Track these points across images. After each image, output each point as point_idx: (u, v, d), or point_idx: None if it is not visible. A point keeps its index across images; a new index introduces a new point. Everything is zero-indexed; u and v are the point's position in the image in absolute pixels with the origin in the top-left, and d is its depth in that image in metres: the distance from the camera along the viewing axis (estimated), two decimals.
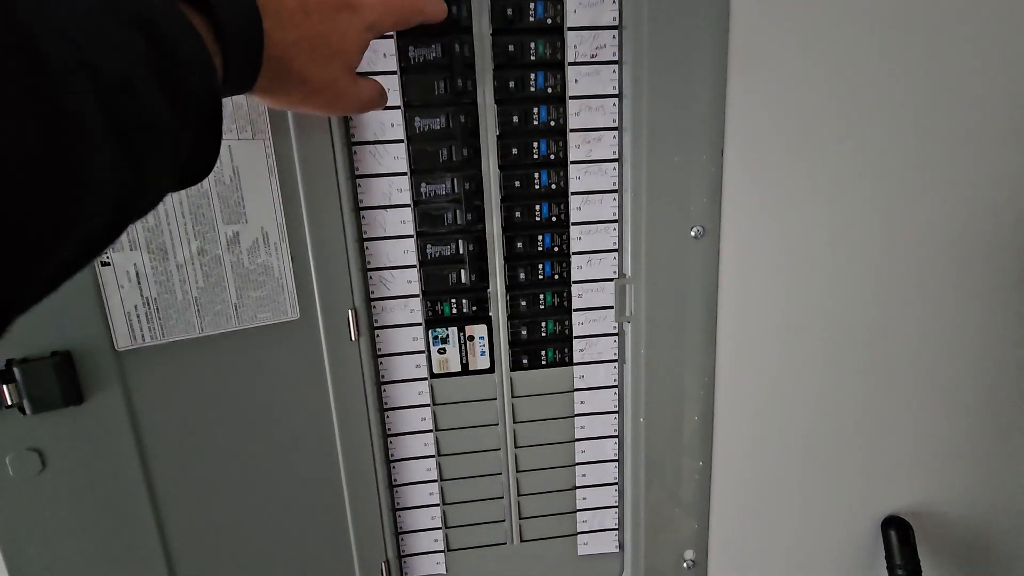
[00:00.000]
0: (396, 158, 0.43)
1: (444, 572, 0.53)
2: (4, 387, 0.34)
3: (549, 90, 0.43)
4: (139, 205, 0.21)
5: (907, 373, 0.51)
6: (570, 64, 0.43)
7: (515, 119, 0.43)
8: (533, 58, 0.42)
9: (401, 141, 0.43)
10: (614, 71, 0.43)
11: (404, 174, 0.44)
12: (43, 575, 0.38)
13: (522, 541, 0.53)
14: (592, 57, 0.43)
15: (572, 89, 0.43)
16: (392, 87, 0.42)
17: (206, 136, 0.23)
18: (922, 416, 0.52)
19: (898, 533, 0.54)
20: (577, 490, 0.52)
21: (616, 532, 0.54)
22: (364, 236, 0.44)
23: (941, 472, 0.54)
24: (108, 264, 0.36)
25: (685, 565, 0.53)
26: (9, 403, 0.35)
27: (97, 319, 0.37)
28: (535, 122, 0.44)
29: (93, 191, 0.17)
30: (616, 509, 0.53)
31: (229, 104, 0.37)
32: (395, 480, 0.50)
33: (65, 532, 0.38)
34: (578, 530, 0.53)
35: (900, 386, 0.51)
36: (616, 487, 0.53)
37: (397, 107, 0.42)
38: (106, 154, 0.17)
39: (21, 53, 0.15)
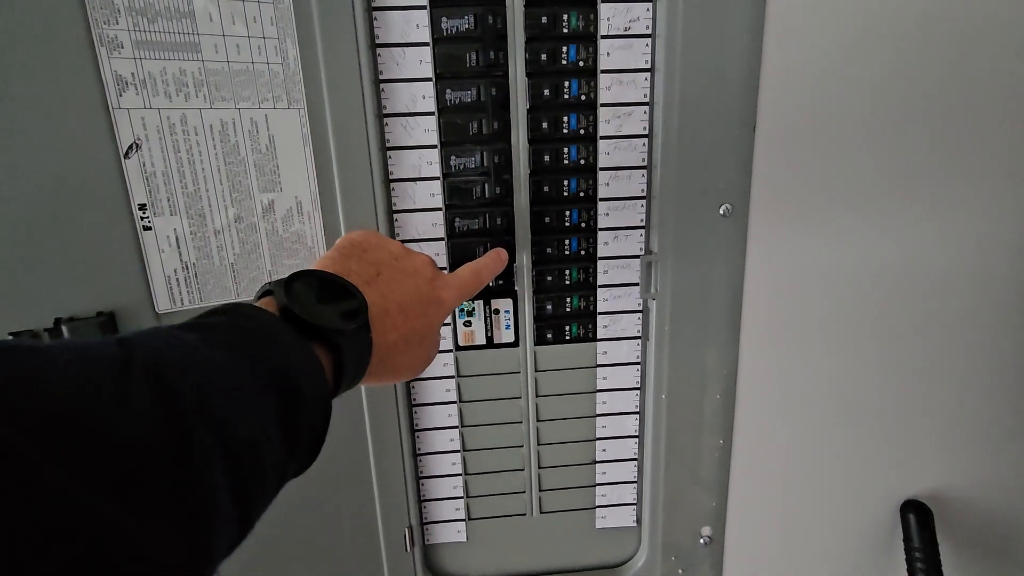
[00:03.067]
0: (427, 131, 0.44)
1: (465, 540, 0.54)
2: None
3: (581, 63, 0.43)
4: (238, 538, 0.21)
5: (931, 358, 0.51)
6: (603, 37, 0.43)
7: (546, 92, 0.43)
8: (566, 30, 0.42)
9: (432, 113, 0.43)
10: (647, 45, 0.43)
11: (434, 147, 0.44)
12: None
13: (541, 513, 0.54)
14: (625, 30, 0.43)
15: (604, 63, 0.43)
16: (424, 59, 0.42)
17: (314, 449, 0.24)
18: (944, 401, 0.52)
19: (917, 517, 0.54)
20: (597, 464, 0.53)
21: (634, 507, 0.55)
22: (393, 208, 0.45)
23: (962, 457, 0.54)
24: (150, 228, 0.37)
25: (702, 541, 0.54)
26: None
27: (139, 281, 0.38)
28: (566, 96, 0.43)
29: (212, 558, 0.19)
30: (635, 484, 0.54)
31: (266, 71, 0.38)
32: (419, 449, 0.51)
33: None
34: (596, 504, 0.54)
35: (924, 370, 0.51)
36: (635, 463, 0.53)
37: (428, 79, 0.42)
38: (226, 519, 0.19)
39: (173, 441, 0.18)
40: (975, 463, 0.54)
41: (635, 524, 0.55)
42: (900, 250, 0.47)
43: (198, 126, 0.37)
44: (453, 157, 0.44)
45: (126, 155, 0.36)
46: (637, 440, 0.53)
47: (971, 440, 0.53)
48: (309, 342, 0.24)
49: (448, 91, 0.43)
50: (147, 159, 0.36)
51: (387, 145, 0.43)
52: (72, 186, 0.36)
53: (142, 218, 0.37)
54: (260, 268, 0.41)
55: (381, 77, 0.42)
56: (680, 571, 0.55)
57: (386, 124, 0.43)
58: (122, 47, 0.34)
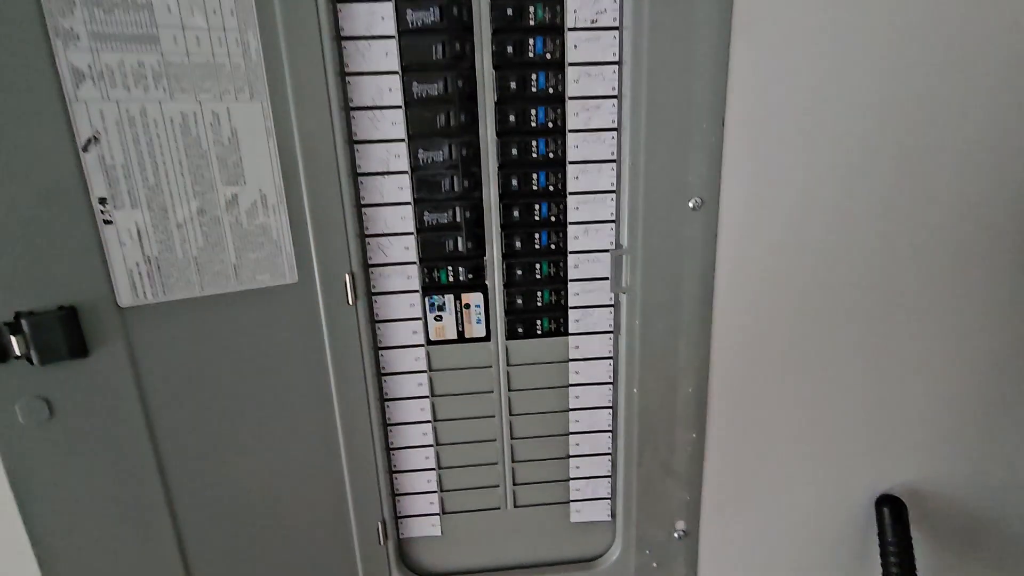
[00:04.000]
0: (393, 124, 0.43)
1: (439, 534, 0.54)
2: (12, 338, 0.36)
3: (548, 56, 0.43)
4: None
5: (906, 351, 0.50)
6: (570, 29, 0.42)
7: (513, 85, 0.43)
8: (532, 22, 0.42)
9: (399, 107, 0.43)
10: (614, 37, 0.43)
11: (402, 140, 0.44)
12: (52, 519, 0.40)
13: (516, 506, 0.54)
14: (592, 22, 0.42)
15: (571, 55, 0.43)
16: (390, 51, 0.42)
17: None
18: (921, 395, 0.52)
19: (892, 511, 0.54)
20: (571, 459, 0.53)
21: (608, 501, 0.55)
22: (362, 202, 0.45)
23: (938, 453, 0.54)
24: (111, 222, 0.37)
25: (676, 535, 0.54)
26: (18, 353, 0.36)
27: (100, 275, 0.38)
28: (533, 88, 0.43)
29: None
30: (609, 478, 0.54)
31: (227, 63, 0.38)
32: (392, 444, 0.51)
33: (72, 479, 0.40)
34: (571, 498, 0.54)
35: (898, 364, 0.51)
36: (609, 457, 0.53)
37: (395, 72, 0.42)
38: None
39: None
40: (950, 459, 0.54)
41: (610, 518, 0.55)
42: (873, 243, 0.47)
43: (158, 119, 0.37)
44: (421, 150, 0.44)
45: (84, 148, 0.36)
46: (611, 435, 0.53)
47: (947, 436, 0.53)
48: None
49: (415, 84, 0.42)
50: (107, 152, 0.36)
51: (354, 138, 0.43)
52: (31, 179, 0.35)
53: (102, 212, 0.37)
54: (225, 262, 0.41)
55: (347, 70, 0.42)
56: (654, 565, 0.55)
57: (352, 117, 0.43)
58: (78, 38, 0.34)
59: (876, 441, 0.53)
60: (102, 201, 0.37)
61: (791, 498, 0.54)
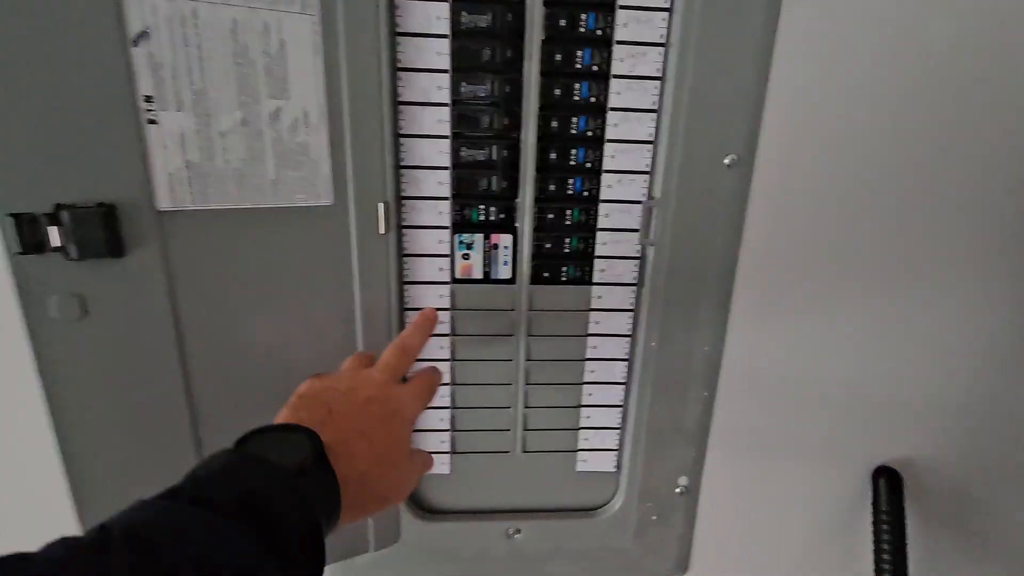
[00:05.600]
0: (439, 54, 0.43)
1: (448, 473, 0.55)
2: (52, 228, 0.36)
3: None
4: None
5: (911, 325, 0.51)
6: None
7: (562, 23, 0.43)
8: None
9: (445, 36, 0.43)
10: None
11: (445, 71, 0.44)
12: (79, 417, 0.41)
13: (524, 451, 0.55)
14: None
15: None
16: None
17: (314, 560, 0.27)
18: (922, 370, 0.53)
19: (888, 482, 0.55)
20: (582, 408, 0.54)
21: (615, 453, 0.56)
22: (400, 132, 0.45)
23: (936, 427, 0.55)
24: (155, 122, 0.37)
25: (678, 491, 0.55)
26: (55, 245, 0.36)
27: (140, 176, 0.38)
28: (581, 29, 0.43)
29: None
30: (618, 431, 0.55)
31: None
32: None
33: (100, 378, 0.40)
34: (579, 447, 0.55)
35: (904, 338, 0.52)
36: (620, 409, 0.54)
37: (444, 0, 0.42)
38: None
39: None
40: (949, 431, 0.55)
41: (615, 470, 0.56)
42: (893, 216, 0.48)
43: (209, 20, 0.36)
44: (464, 84, 0.44)
45: (135, 43, 0.35)
46: (624, 387, 0.54)
47: (948, 411, 0.55)
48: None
49: (464, 13, 0.42)
50: (156, 50, 0.36)
51: (398, 65, 0.43)
52: (79, 71, 0.35)
53: (148, 111, 0.37)
54: (263, 176, 0.41)
55: None
56: (654, 518, 0.56)
57: (399, 44, 0.42)
58: None
59: (877, 414, 0.54)
60: (148, 99, 0.36)
61: (792, 462, 0.56)
